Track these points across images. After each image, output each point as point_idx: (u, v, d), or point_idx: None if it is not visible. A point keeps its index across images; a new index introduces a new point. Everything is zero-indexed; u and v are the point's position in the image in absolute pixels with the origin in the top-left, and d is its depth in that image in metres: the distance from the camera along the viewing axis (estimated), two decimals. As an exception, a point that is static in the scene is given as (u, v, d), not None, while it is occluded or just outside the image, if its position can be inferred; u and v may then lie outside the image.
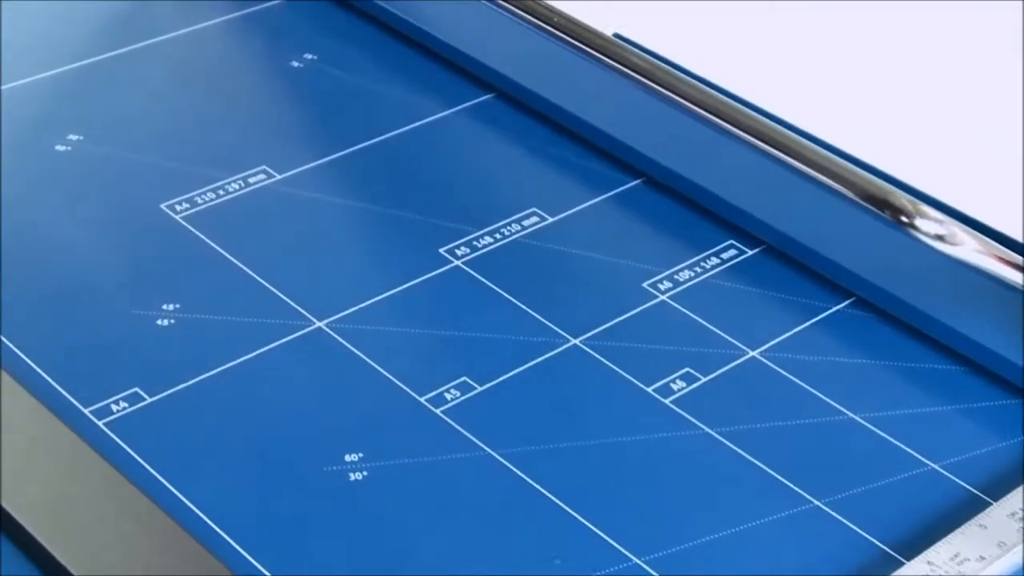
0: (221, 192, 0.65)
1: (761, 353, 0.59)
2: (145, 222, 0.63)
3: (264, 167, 0.67)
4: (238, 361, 0.57)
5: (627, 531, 0.52)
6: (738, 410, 0.57)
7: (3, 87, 0.70)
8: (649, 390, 0.57)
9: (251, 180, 0.66)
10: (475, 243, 0.63)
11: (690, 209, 0.66)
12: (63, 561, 0.49)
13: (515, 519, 0.52)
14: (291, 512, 0.52)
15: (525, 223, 0.65)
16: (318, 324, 0.59)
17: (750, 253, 0.64)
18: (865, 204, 0.59)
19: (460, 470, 0.54)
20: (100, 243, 0.63)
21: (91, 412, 0.55)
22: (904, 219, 0.59)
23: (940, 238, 0.58)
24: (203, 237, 0.63)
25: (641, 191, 0.67)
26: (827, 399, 0.57)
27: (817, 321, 0.61)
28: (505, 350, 0.58)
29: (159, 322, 0.59)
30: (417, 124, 0.70)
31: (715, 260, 0.63)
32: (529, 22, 0.69)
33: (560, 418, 0.56)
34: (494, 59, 0.72)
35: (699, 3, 0.85)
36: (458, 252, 0.63)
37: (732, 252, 0.64)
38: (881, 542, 0.52)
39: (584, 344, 0.59)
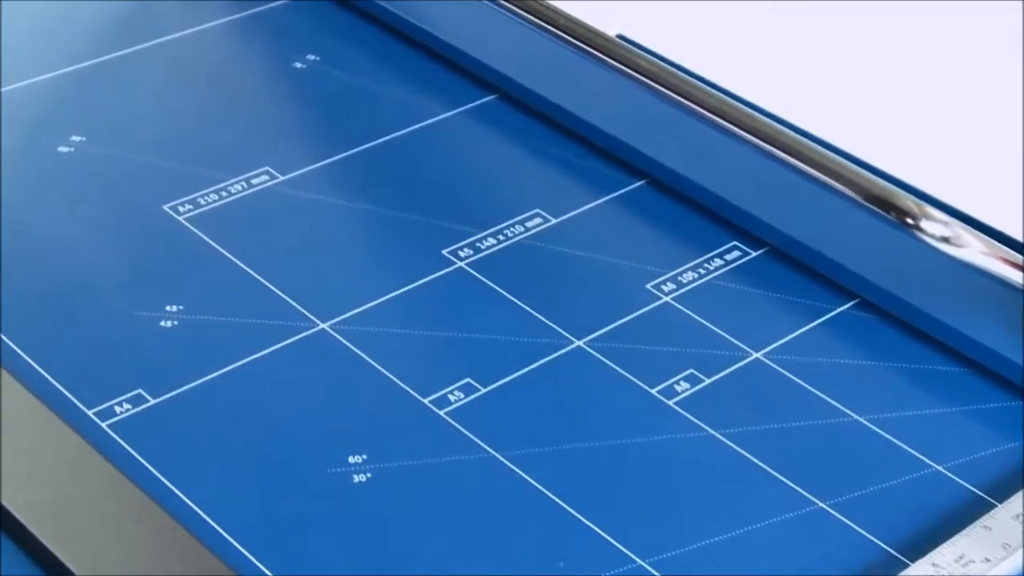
0: (224, 193, 0.65)
1: (765, 355, 0.59)
2: (148, 223, 0.63)
3: (267, 168, 0.67)
4: (242, 362, 0.57)
5: (631, 533, 0.52)
6: (742, 412, 0.56)
7: (6, 88, 0.70)
8: (653, 391, 0.57)
9: (254, 181, 0.66)
10: (478, 244, 0.63)
11: (694, 210, 0.66)
12: (65, 562, 0.49)
13: (519, 521, 0.52)
14: (294, 513, 0.52)
15: (528, 224, 0.65)
16: (321, 326, 0.59)
17: (754, 254, 0.64)
18: (870, 205, 0.59)
19: (464, 472, 0.54)
20: (103, 244, 0.63)
21: (95, 414, 0.55)
22: (909, 221, 0.58)
23: (945, 240, 0.58)
24: (206, 238, 0.63)
25: (645, 192, 0.67)
26: (831, 401, 0.57)
27: (821, 323, 0.61)
28: (509, 352, 0.58)
29: (162, 323, 0.59)
30: (420, 125, 0.70)
31: (719, 261, 0.63)
32: (532, 23, 0.69)
33: (564, 419, 0.56)
34: (497, 60, 0.72)
35: (702, 4, 0.85)
36: (461, 253, 0.63)
37: (736, 253, 0.64)
38: (886, 544, 0.52)
39: (588, 345, 0.59)
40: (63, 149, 0.67)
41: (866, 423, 0.56)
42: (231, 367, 0.57)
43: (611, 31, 0.68)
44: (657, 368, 0.58)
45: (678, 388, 0.57)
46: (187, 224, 0.63)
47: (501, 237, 0.64)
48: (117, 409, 0.55)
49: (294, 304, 0.60)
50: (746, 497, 0.53)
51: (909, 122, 0.78)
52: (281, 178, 0.66)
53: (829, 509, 0.53)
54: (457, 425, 0.55)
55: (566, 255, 0.63)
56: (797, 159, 0.61)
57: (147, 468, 0.53)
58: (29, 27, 0.74)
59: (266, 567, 0.50)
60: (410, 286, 0.61)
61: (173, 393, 0.56)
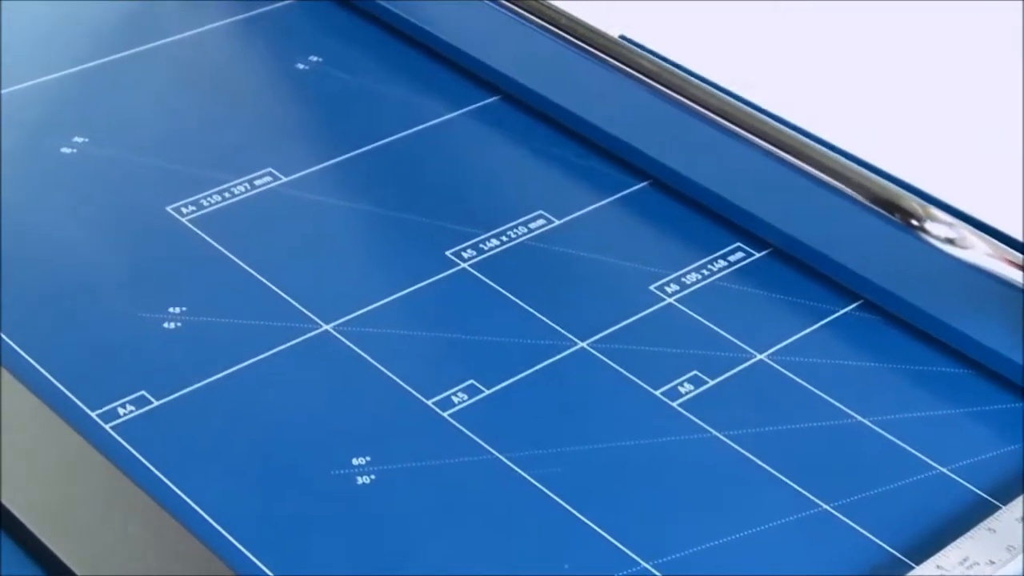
0: (227, 195, 0.65)
1: (769, 356, 0.59)
2: (151, 225, 0.63)
3: (270, 169, 0.67)
4: (245, 364, 0.57)
5: (635, 534, 0.52)
6: (746, 413, 0.56)
7: (8, 90, 0.70)
8: (656, 393, 0.57)
9: (257, 182, 0.66)
10: (481, 246, 0.63)
11: (697, 211, 0.66)
12: (67, 562, 0.49)
13: (523, 522, 0.52)
14: (297, 515, 0.52)
15: (531, 226, 0.64)
16: (325, 327, 0.59)
17: (757, 256, 0.64)
18: (874, 207, 0.59)
19: (467, 473, 0.54)
20: (106, 246, 0.62)
21: (98, 416, 0.55)
22: (913, 222, 0.58)
23: (950, 241, 0.58)
24: (209, 240, 0.63)
25: (648, 193, 0.67)
26: (835, 402, 0.57)
27: (825, 324, 0.61)
28: (512, 353, 0.58)
29: (165, 325, 0.59)
30: (423, 126, 0.70)
31: (722, 263, 0.63)
32: (535, 24, 0.69)
33: (567, 421, 0.56)
34: (500, 61, 0.72)
35: (705, 4, 0.85)
36: (464, 255, 0.63)
37: (739, 255, 0.64)
38: (890, 546, 0.52)
39: (591, 347, 0.59)
40: (65, 150, 0.67)
41: (870, 425, 0.56)
42: (234, 368, 0.57)
43: (613, 31, 0.68)
44: (661, 370, 0.58)
45: (682, 390, 0.57)
46: (190, 225, 0.63)
47: (504, 238, 0.64)
48: (120, 411, 0.55)
49: (297, 305, 0.60)
50: (750, 499, 0.53)
51: (911, 122, 0.78)
52: (284, 179, 0.66)
53: (833, 511, 0.53)
54: (461, 427, 0.55)
55: (569, 256, 0.63)
56: (800, 160, 0.61)
57: (150, 469, 0.53)
58: (31, 28, 0.74)
59: (269, 569, 0.50)
60: (413, 287, 0.61)
61: (176, 395, 0.56)
